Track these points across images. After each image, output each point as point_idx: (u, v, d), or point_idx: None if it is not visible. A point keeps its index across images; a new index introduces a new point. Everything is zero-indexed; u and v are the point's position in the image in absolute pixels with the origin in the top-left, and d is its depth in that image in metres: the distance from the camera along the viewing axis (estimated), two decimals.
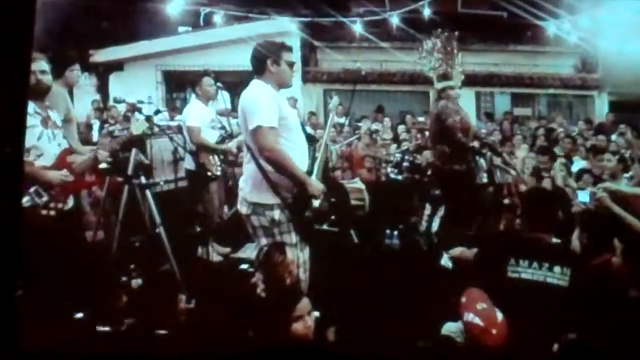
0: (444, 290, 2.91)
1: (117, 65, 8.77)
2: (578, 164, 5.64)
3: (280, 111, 2.83)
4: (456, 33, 4.91)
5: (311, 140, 3.07)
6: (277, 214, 2.83)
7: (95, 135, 6.64)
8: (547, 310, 2.45)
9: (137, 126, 3.39)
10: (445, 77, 4.74)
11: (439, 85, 4.75)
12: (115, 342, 2.69)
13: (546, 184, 4.83)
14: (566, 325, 2.48)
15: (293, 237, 2.85)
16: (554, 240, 2.64)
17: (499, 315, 2.39)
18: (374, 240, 4.73)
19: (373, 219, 4.79)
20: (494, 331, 2.35)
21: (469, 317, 2.39)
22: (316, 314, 2.47)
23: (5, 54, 2.26)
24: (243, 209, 2.92)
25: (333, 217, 4.91)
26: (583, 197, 3.09)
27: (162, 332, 2.80)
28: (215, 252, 4.36)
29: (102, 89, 8.51)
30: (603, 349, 2.38)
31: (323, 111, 9.63)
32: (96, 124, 6.94)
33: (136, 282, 3.38)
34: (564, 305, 2.48)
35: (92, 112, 7.44)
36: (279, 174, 2.80)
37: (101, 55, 8.51)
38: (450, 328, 2.52)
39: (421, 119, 7.73)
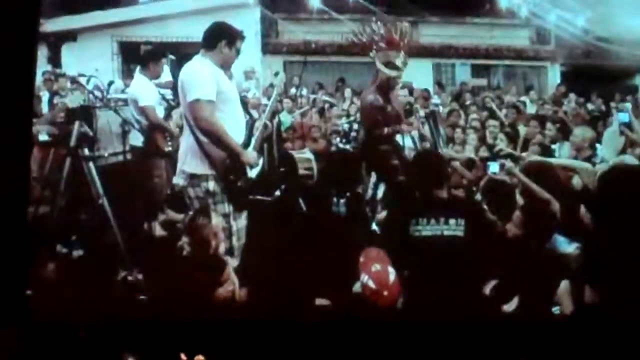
0: None
1: (70, 36, 8.54)
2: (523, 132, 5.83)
3: (218, 85, 2.95)
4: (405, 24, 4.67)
5: (250, 114, 3.18)
6: (211, 184, 2.95)
7: (45, 108, 6.51)
8: (449, 260, 2.62)
9: (72, 99, 3.41)
10: (395, 67, 4.52)
11: (391, 73, 4.47)
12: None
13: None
14: (466, 273, 2.66)
15: (226, 207, 2.96)
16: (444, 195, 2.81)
17: (392, 277, 2.55)
18: (321, 207, 4.84)
19: (321, 187, 4.92)
20: (385, 293, 2.53)
21: (364, 278, 2.55)
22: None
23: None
24: (180, 180, 3.03)
25: (282, 186, 5.12)
26: (493, 167, 3.30)
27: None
28: (160, 224, 4.41)
29: (54, 60, 8.29)
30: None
31: (283, 82, 9.63)
32: (45, 96, 6.80)
33: (77, 253, 3.43)
34: (463, 254, 2.65)
35: (42, 83, 7.27)
36: (214, 145, 2.89)
37: (52, 25, 8.26)
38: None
39: None
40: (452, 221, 2.67)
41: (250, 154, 2.99)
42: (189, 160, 3.00)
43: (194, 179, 2.97)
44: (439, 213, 2.68)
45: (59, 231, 3.61)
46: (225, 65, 3.10)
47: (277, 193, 5.08)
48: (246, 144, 3.05)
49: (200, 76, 2.92)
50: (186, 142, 3.05)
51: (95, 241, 3.63)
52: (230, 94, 3.05)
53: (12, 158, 2.57)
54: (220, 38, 3.01)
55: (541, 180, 2.94)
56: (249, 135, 3.10)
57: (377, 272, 2.54)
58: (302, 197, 4.88)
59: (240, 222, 3.05)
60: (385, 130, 4.50)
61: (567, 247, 2.88)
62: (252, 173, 3.08)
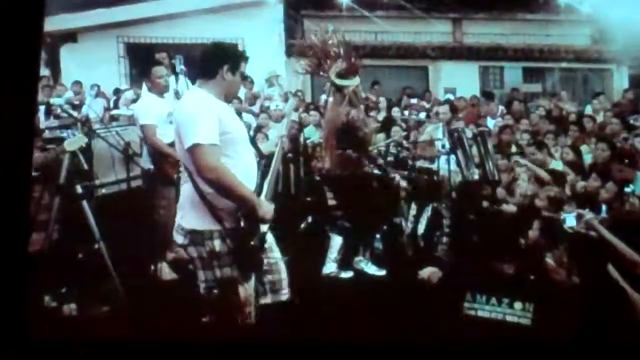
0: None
1: (70, 37, 8.45)
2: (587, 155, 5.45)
3: (222, 125, 2.61)
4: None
5: (261, 154, 2.92)
6: (217, 243, 2.63)
7: (42, 117, 6.43)
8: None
9: (72, 142, 3.31)
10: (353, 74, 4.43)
11: (346, 83, 4.38)
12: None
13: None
14: None
15: (233, 272, 2.68)
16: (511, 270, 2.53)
17: None
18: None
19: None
20: None
21: None
22: None
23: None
24: (179, 238, 2.72)
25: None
26: (570, 221, 2.96)
27: None
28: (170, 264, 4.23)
29: (52, 63, 8.19)
30: None
31: (310, 88, 9.45)
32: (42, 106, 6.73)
33: (68, 308, 3.25)
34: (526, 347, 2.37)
35: (40, 89, 7.20)
36: (222, 197, 2.63)
37: (49, 24, 8.17)
38: None
39: (414, 101, 7.53)
40: (518, 305, 2.39)
41: (267, 206, 2.67)
42: (188, 214, 2.69)
43: (195, 235, 2.66)
44: (503, 292, 2.40)
45: (49, 280, 3.43)
46: (229, 96, 2.80)
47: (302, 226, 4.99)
48: (259, 192, 2.73)
49: (199, 116, 2.58)
50: (184, 192, 2.74)
51: (90, 294, 3.45)
52: (237, 133, 2.71)
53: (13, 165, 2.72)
54: (221, 63, 2.69)
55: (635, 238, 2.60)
56: (262, 179, 2.81)
57: None
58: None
59: (251, 286, 2.74)
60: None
61: None
62: (264, 227, 2.78)
